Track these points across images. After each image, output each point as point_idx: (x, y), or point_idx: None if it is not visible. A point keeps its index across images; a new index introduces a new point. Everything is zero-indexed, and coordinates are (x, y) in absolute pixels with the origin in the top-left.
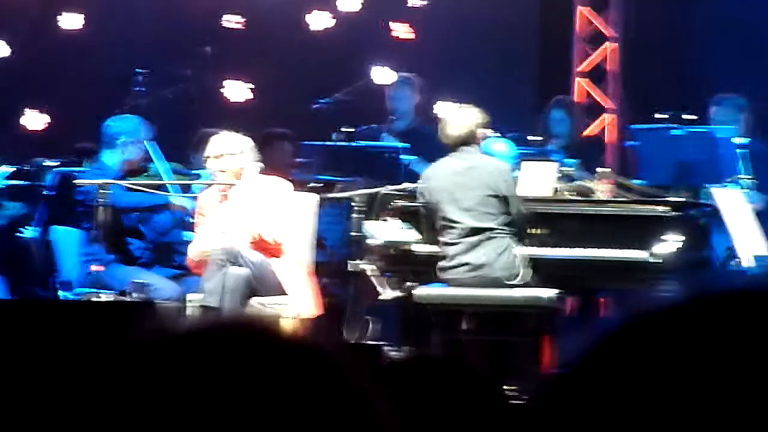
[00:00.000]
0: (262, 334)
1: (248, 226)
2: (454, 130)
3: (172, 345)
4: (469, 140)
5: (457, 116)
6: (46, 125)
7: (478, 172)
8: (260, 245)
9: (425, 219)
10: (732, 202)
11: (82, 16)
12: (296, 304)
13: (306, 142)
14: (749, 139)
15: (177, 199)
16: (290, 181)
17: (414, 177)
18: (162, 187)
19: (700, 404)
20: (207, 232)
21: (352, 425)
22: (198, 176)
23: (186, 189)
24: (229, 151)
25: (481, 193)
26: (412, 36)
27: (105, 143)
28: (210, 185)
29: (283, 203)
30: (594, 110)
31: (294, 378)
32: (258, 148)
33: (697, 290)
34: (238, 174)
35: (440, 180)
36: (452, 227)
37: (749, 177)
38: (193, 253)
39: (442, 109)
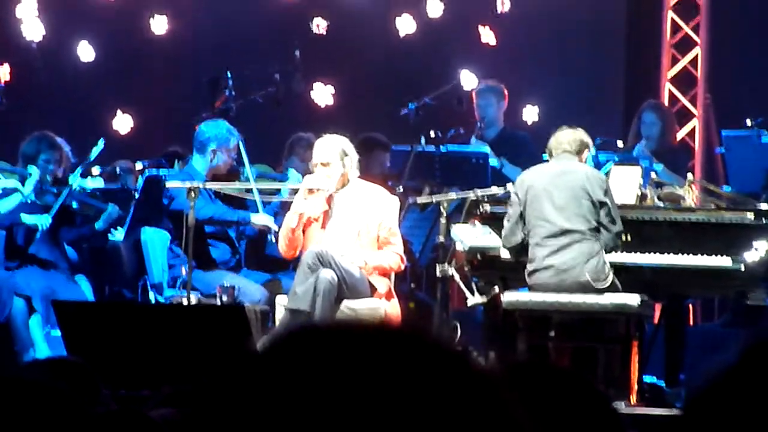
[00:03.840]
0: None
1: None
2: (566, 137)
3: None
4: (573, 150)
5: (571, 129)
6: (132, 128)
7: (574, 175)
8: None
9: (508, 219)
10: None
11: (165, 18)
12: (385, 306)
13: (394, 147)
14: None
15: (258, 218)
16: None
17: (505, 181)
18: (249, 192)
19: None
20: (311, 235)
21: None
22: (287, 179)
23: (275, 193)
24: (337, 158)
25: (575, 195)
26: (499, 41)
27: (196, 148)
28: (297, 190)
29: (393, 214)
30: (682, 116)
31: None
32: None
33: None
34: (344, 178)
35: (537, 179)
36: (542, 226)
37: None
38: (281, 237)
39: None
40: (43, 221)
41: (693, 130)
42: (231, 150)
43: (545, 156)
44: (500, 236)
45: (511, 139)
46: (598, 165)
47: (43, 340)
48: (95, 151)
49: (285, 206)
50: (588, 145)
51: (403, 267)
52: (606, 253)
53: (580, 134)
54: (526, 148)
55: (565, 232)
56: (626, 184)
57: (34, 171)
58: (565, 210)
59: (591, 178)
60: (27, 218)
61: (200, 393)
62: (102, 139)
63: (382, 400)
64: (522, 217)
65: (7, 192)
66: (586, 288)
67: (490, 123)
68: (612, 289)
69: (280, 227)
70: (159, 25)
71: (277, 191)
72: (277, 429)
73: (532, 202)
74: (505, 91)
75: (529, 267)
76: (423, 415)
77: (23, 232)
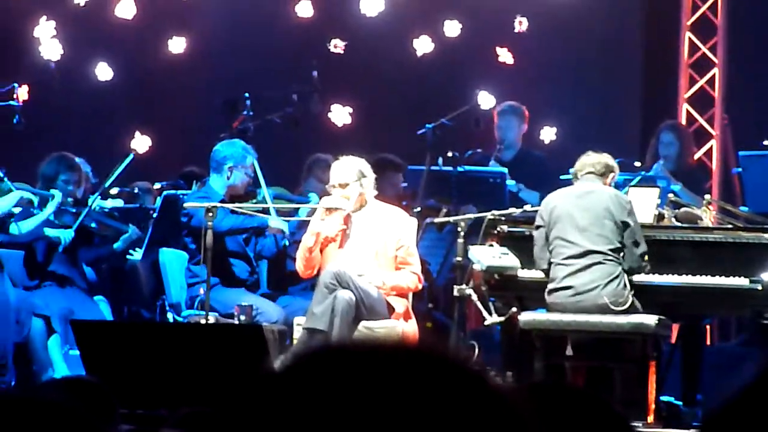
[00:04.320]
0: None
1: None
2: (591, 159)
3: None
4: (597, 172)
5: (597, 153)
6: (149, 148)
7: (597, 196)
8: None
9: (536, 243)
10: None
11: (183, 39)
12: (402, 326)
13: (411, 167)
14: None
15: (274, 222)
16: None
17: (522, 204)
18: (266, 212)
19: None
20: (329, 255)
21: None
22: (308, 200)
23: (292, 213)
24: (354, 179)
25: (598, 216)
26: (516, 61)
27: (213, 168)
28: (314, 210)
29: (411, 234)
30: (700, 136)
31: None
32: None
33: None
34: (362, 199)
35: (561, 201)
36: (565, 246)
37: None
38: (299, 257)
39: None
40: (66, 235)
41: (710, 150)
42: (247, 168)
43: (563, 176)
44: (517, 256)
45: (528, 159)
46: (616, 186)
47: (62, 360)
48: (124, 164)
49: (301, 226)
50: (613, 169)
51: (420, 287)
52: (630, 274)
53: (605, 158)
54: (543, 168)
55: (587, 253)
56: (643, 204)
57: (56, 194)
58: (588, 231)
59: (614, 199)
60: (50, 231)
61: (218, 413)
62: (132, 153)
63: (401, 421)
64: (548, 239)
65: (23, 207)
66: (604, 311)
67: (509, 145)
68: (631, 311)
69: (295, 243)
70: (177, 45)
71: (295, 211)
72: None
73: (556, 223)
74: (527, 113)
75: (549, 286)
76: None
77: (43, 248)
